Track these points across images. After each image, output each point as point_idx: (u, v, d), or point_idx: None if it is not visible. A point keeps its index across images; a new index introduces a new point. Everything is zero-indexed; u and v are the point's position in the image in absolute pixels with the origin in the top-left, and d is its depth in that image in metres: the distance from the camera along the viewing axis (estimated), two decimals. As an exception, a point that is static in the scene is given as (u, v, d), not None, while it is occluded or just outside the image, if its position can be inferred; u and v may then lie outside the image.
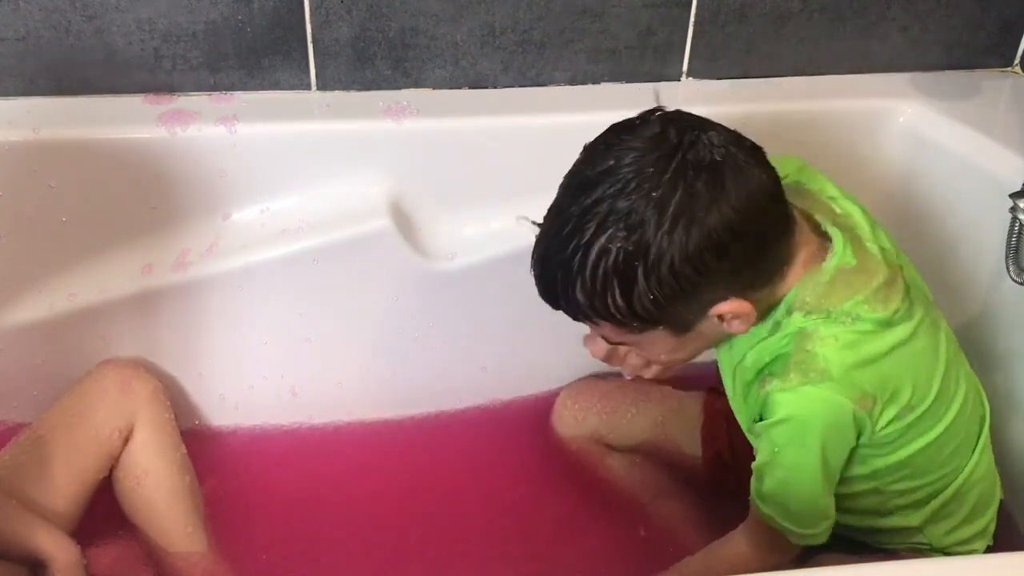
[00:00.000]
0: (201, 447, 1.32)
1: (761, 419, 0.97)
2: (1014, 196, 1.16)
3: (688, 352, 0.99)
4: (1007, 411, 1.22)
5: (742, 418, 1.04)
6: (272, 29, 1.28)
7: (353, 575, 1.24)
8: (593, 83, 1.38)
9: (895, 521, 1.05)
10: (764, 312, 0.95)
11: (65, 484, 1.16)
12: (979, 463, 1.06)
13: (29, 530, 1.07)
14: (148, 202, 1.26)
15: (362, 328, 1.35)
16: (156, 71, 1.29)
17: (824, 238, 0.97)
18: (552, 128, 1.31)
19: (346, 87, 1.33)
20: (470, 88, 1.36)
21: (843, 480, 1.00)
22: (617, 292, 0.88)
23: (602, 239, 0.86)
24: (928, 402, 0.97)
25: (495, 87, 1.36)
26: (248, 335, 1.33)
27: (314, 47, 1.30)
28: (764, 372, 0.96)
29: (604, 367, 1.39)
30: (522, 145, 1.31)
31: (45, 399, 1.24)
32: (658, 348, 0.97)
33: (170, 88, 1.30)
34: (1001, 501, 1.12)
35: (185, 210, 1.27)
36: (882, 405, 0.94)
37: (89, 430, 1.18)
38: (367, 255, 1.28)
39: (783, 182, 0.93)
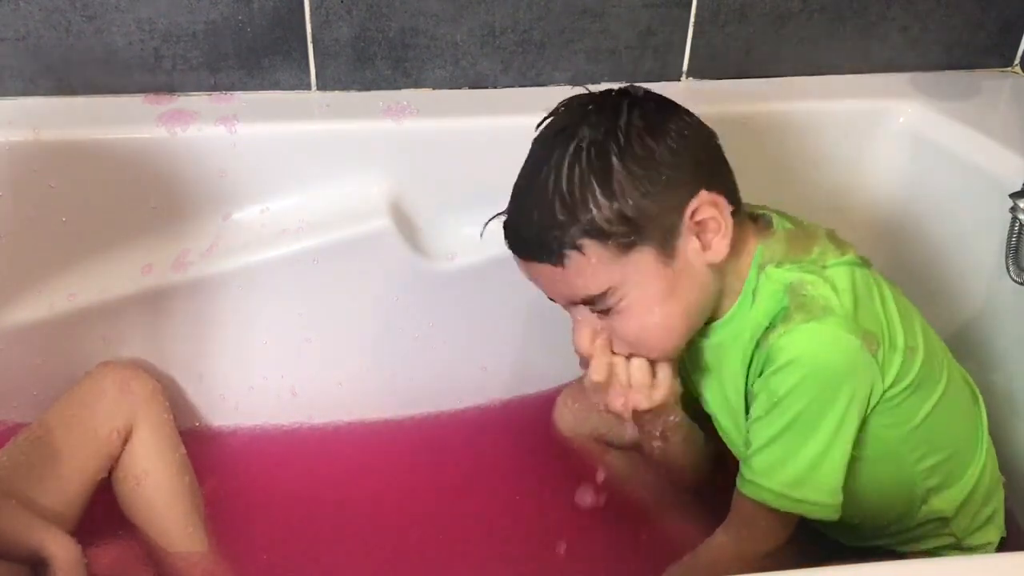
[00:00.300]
0: (201, 447, 1.32)
1: (761, 376, 0.94)
2: (1014, 196, 1.16)
3: (680, 303, 0.94)
4: (1007, 411, 1.22)
5: (738, 407, 1.01)
6: (272, 29, 1.28)
7: (353, 575, 1.24)
8: (593, 83, 1.37)
9: (931, 508, 1.03)
10: (728, 296, 0.97)
11: (64, 485, 1.16)
12: (983, 440, 1.06)
13: (29, 529, 1.07)
14: (148, 202, 1.26)
15: (362, 328, 1.35)
16: (156, 71, 1.29)
17: (758, 219, 1.02)
18: (552, 128, 1.31)
19: (346, 87, 1.33)
20: (470, 88, 1.36)
21: (867, 464, 0.97)
22: (597, 189, 0.89)
23: (570, 149, 0.91)
24: (923, 350, 0.97)
25: (495, 87, 1.36)
26: (248, 335, 1.33)
27: (314, 47, 1.30)
28: (766, 332, 0.94)
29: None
30: (522, 145, 1.30)
31: (45, 399, 1.24)
32: (648, 286, 0.92)
33: (170, 88, 1.30)
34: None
35: (185, 210, 1.27)
36: (885, 348, 0.93)
37: (88, 431, 1.18)
38: (367, 255, 1.28)
39: None
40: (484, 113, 1.31)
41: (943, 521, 1.05)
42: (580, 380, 1.37)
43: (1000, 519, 1.11)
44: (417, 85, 1.35)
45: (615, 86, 0.98)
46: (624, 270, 0.92)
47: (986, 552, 1.09)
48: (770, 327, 0.93)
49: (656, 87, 1.36)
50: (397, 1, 1.28)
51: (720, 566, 1.01)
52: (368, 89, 1.34)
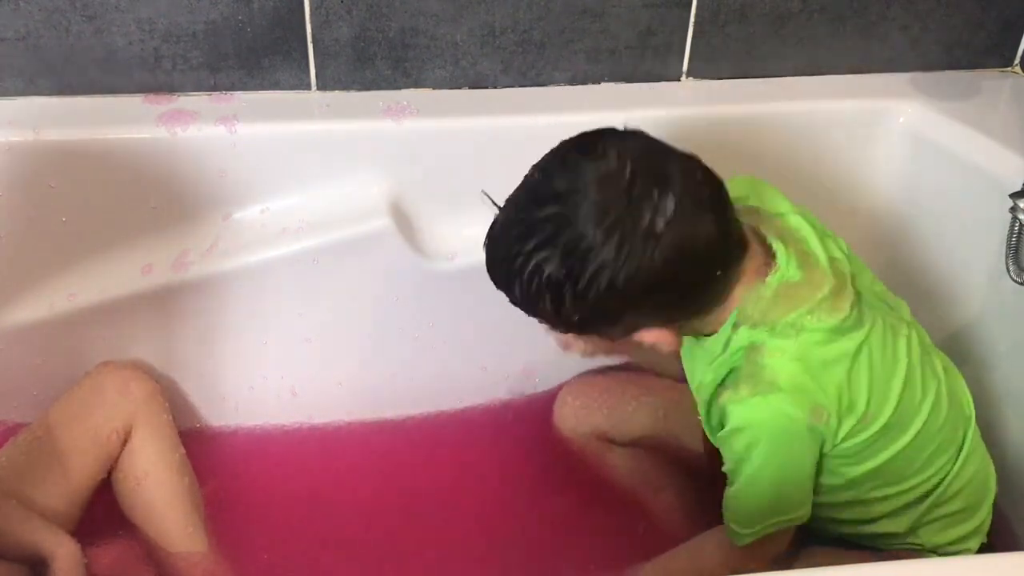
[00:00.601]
0: (202, 448, 1.32)
1: (722, 429, 0.99)
2: (1014, 196, 1.16)
3: (628, 352, 1.08)
4: (1007, 411, 1.22)
5: (708, 431, 1.05)
6: (272, 29, 1.28)
7: (353, 574, 1.24)
8: (593, 83, 1.38)
9: (881, 527, 1.06)
10: (713, 328, 0.98)
11: (63, 485, 1.16)
12: (966, 464, 1.06)
13: (29, 528, 1.07)
14: (148, 202, 1.26)
15: (362, 328, 1.35)
16: (156, 71, 1.29)
17: (770, 253, 0.98)
18: (552, 128, 1.30)
19: (346, 87, 1.33)
20: (470, 88, 1.36)
21: (821, 490, 1.02)
22: (548, 303, 0.92)
23: (541, 255, 0.90)
24: (888, 413, 0.98)
25: (495, 87, 1.36)
26: (248, 335, 1.33)
27: (314, 47, 1.30)
28: (724, 383, 0.98)
29: (604, 363, 1.40)
30: (522, 145, 1.30)
31: (45, 399, 1.24)
32: (595, 346, 1.10)
33: (170, 88, 1.30)
34: (995, 498, 1.12)
35: (185, 210, 1.27)
36: (837, 417, 0.96)
37: (87, 431, 1.18)
38: (367, 255, 1.28)
39: (736, 204, 0.95)
40: (484, 113, 1.31)
41: (900, 535, 1.07)
42: (580, 378, 1.38)
43: (984, 529, 1.11)
44: (417, 85, 1.35)
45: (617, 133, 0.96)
46: (578, 338, 1.07)
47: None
48: (725, 384, 0.97)
49: (656, 87, 1.38)
50: (397, 1, 1.28)
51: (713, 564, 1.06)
52: (368, 89, 1.34)
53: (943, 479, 1.04)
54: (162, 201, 1.26)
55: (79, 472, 1.17)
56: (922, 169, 1.35)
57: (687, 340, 1.04)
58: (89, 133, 1.23)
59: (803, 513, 1.00)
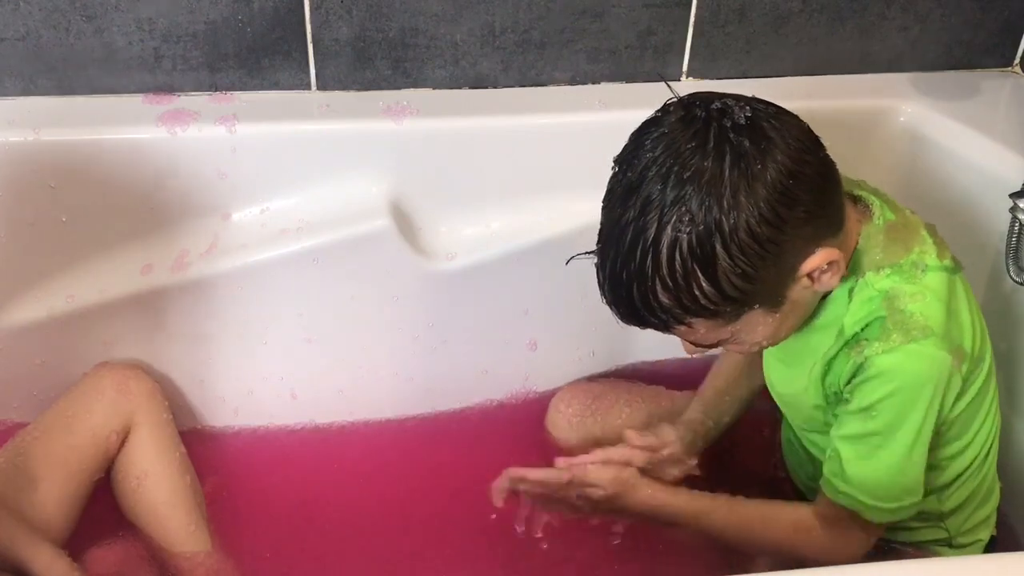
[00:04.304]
0: (204, 448, 1.32)
1: (848, 383, 0.95)
2: (1014, 196, 1.16)
3: (786, 329, 0.95)
4: (1007, 411, 1.22)
5: (807, 396, 1.01)
6: (272, 29, 1.28)
7: (354, 573, 1.24)
8: (593, 83, 1.38)
9: (931, 502, 1.04)
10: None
11: (62, 485, 1.15)
12: (995, 436, 1.06)
13: (15, 543, 1.06)
14: (148, 202, 1.26)
15: (362, 328, 1.35)
16: (156, 71, 1.29)
17: (858, 201, 0.98)
18: (552, 128, 1.31)
19: (346, 87, 1.33)
20: (470, 88, 1.36)
21: None
22: (702, 278, 0.84)
23: (668, 231, 0.83)
24: (988, 355, 0.99)
25: (495, 87, 1.36)
26: (248, 335, 1.33)
27: (314, 47, 1.30)
28: (858, 339, 0.94)
29: (598, 369, 1.40)
30: (522, 145, 1.31)
31: (45, 399, 1.24)
32: (758, 331, 0.93)
33: (170, 88, 1.30)
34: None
35: (185, 210, 1.27)
36: (970, 359, 0.95)
37: (86, 431, 1.18)
38: (367, 255, 1.28)
39: None
40: (484, 113, 1.31)
41: (939, 515, 1.06)
42: (572, 386, 1.38)
43: (993, 519, 1.12)
44: (417, 85, 1.35)
45: (710, 89, 0.90)
46: (733, 328, 0.91)
47: (975, 550, 1.09)
48: (863, 336, 0.93)
49: (656, 87, 1.37)
50: (397, 1, 1.28)
51: (800, 551, 1.01)
52: (368, 89, 1.34)
53: (988, 441, 1.04)
54: (162, 201, 1.26)
55: (77, 472, 1.17)
56: (922, 169, 1.35)
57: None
58: (89, 133, 1.23)
59: (918, 499, 0.98)
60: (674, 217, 0.83)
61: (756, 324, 0.92)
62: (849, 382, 0.95)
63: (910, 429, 0.93)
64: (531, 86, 1.36)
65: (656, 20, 1.34)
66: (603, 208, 0.90)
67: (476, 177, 1.31)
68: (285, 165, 1.27)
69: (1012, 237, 1.18)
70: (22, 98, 1.28)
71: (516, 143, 1.31)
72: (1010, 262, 1.19)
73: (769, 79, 1.40)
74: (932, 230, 0.99)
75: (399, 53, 1.32)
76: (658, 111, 0.89)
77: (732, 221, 0.82)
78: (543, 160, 1.31)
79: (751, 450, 1.05)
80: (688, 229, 0.83)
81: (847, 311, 0.94)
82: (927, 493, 1.03)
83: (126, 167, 1.24)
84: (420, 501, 1.31)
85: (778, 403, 1.11)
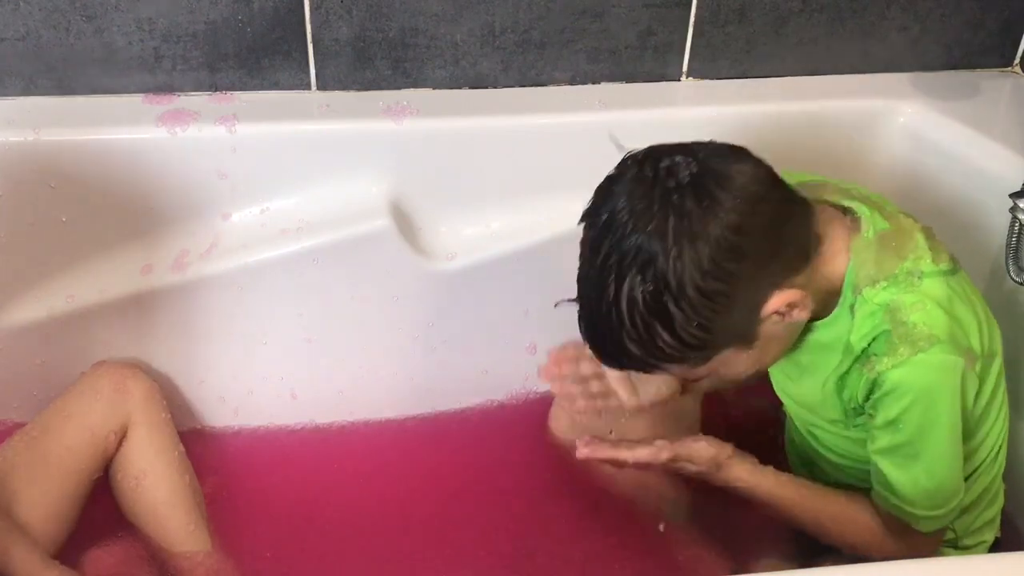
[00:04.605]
0: (204, 448, 1.32)
1: (867, 399, 0.96)
2: (1014, 196, 1.16)
3: (771, 358, 0.98)
4: (1010, 412, 1.22)
5: (825, 408, 1.02)
6: (272, 29, 1.28)
7: (354, 573, 1.24)
8: (593, 83, 1.38)
9: None
10: (829, 297, 0.96)
11: (59, 485, 1.15)
12: (1005, 435, 1.06)
13: (19, 558, 1.06)
14: (148, 202, 1.26)
15: (362, 328, 1.35)
16: (156, 71, 1.29)
17: (847, 213, 0.98)
18: (552, 128, 1.31)
19: (346, 87, 1.33)
20: (470, 88, 1.36)
21: None
22: (662, 332, 0.88)
23: (625, 289, 0.87)
24: (1000, 349, 0.99)
25: (495, 87, 1.36)
26: (248, 336, 1.33)
27: (314, 47, 1.30)
28: (867, 354, 0.95)
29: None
30: (522, 145, 1.31)
31: (45, 399, 1.24)
32: (738, 367, 0.96)
33: (170, 88, 1.30)
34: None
35: (185, 210, 1.27)
36: (983, 358, 0.96)
37: (84, 431, 1.18)
38: (367, 255, 1.28)
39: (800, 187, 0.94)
40: (484, 113, 1.31)
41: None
42: (574, 384, 1.37)
43: (998, 521, 1.12)
44: (417, 85, 1.35)
45: (629, 153, 0.93)
46: (708, 366, 0.94)
47: (980, 550, 1.09)
48: (871, 351, 0.94)
49: (656, 87, 1.38)
50: (397, 1, 1.28)
51: (863, 547, 1.02)
52: (368, 89, 1.34)
53: (998, 439, 1.04)
54: (162, 201, 1.26)
55: (75, 472, 1.16)
56: (922, 169, 1.35)
57: (791, 352, 1.02)
58: (89, 133, 1.23)
59: (958, 502, 0.99)
60: (628, 276, 0.87)
61: (732, 361, 0.95)
62: (868, 398, 0.96)
63: (940, 435, 0.94)
64: (531, 86, 1.36)
65: (656, 20, 1.34)
66: (580, 258, 0.93)
67: (476, 177, 1.31)
68: (285, 165, 1.27)
69: (1012, 237, 1.18)
70: (22, 98, 1.28)
71: (516, 143, 1.31)
72: (1010, 262, 1.19)
73: (769, 79, 1.40)
74: (928, 232, 0.99)
75: (399, 53, 1.32)
76: (617, 167, 0.92)
77: (677, 279, 0.85)
78: (543, 160, 1.31)
79: (755, 449, 1.05)
80: (641, 288, 0.86)
81: (852, 327, 0.95)
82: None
83: (126, 167, 1.24)
84: (420, 501, 1.31)
85: (789, 411, 1.11)
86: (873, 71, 1.42)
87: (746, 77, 1.40)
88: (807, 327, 0.99)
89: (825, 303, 0.97)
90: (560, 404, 1.35)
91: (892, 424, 0.95)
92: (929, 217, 1.35)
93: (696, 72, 1.39)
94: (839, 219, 0.97)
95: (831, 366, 0.98)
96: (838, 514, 1.04)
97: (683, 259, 0.85)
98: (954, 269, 0.98)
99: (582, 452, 1.05)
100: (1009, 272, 1.19)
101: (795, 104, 1.37)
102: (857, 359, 0.96)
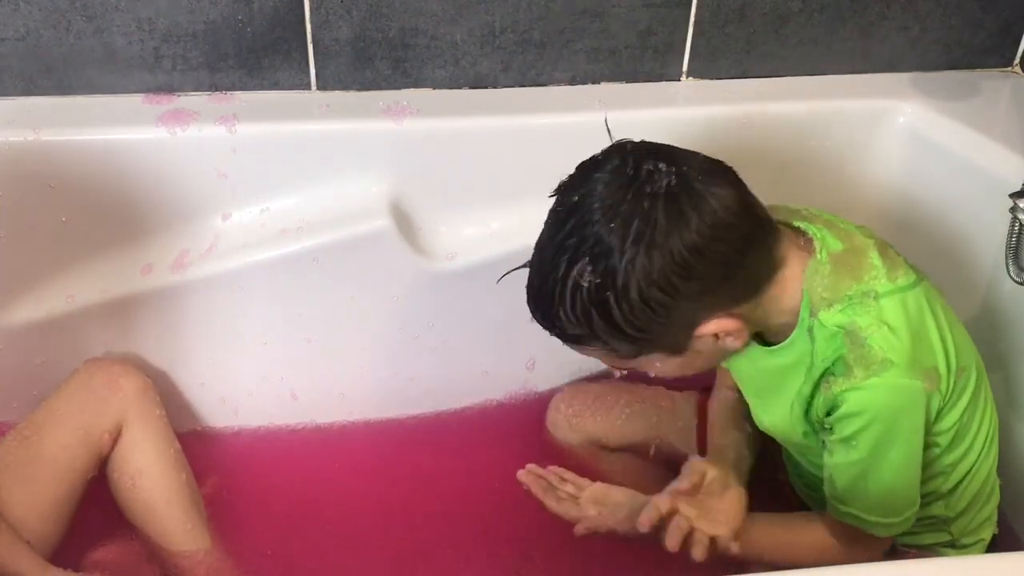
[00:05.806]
0: (204, 448, 1.32)
1: (828, 415, 0.97)
2: (1014, 196, 1.16)
3: (695, 369, 1.00)
4: (1008, 411, 1.22)
5: (794, 430, 1.03)
6: (272, 29, 1.28)
7: (355, 573, 1.24)
8: (593, 83, 1.38)
9: (937, 508, 1.06)
10: (787, 320, 0.97)
11: (53, 485, 1.14)
12: (994, 434, 1.07)
13: (13, 560, 1.05)
14: (148, 202, 1.26)
15: (362, 328, 1.35)
16: (156, 71, 1.29)
17: (802, 234, 0.99)
18: (552, 128, 1.31)
19: (346, 87, 1.33)
20: (470, 88, 1.36)
21: None
22: (599, 320, 0.90)
23: (573, 272, 0.89)
24: (974, 363, 1.00)
25: (495, 87, 1.36)
26: (248, 335, 1.33)
27: (314, 47, 1.30)
28: (826, 375, 0.96)
29: (599, 368, 1.40)
30: (522, 145, 1.31)
31: (44, 399, 1.24)
32: (663, 368, 0.99)
33: (170, 88, 1.30)
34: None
35: (185, 210, 1.27)
36: (945, 376, 0.96)
37: (77, 430, 1.16)
38: (367, 255, 1.28)
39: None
40: (484, 113, 1.31)
41: (946, 520, 1.07)
42: (573, 386, 1.38)
43: (994, 517, 1.12)
44: (417, 85, 1.35)
45: (621, 141, 0.94)
46: (635, 361, 0.98)
47: (977, 549, 1.10)
48: (830, 372, 0.95)
49: (656, 87, 1.38)
50: (397, 1, 1.28)
51: (816, 557, 1.03)
52: (368, 89, 1.34)
53: (987, 440, 1.05)
54: (162, 201, 1.26)
55: (69, 472, 1.15)
56: (922, 169, 1.35)
57: (754, 380, 1.04)
58: (89, 133, 1.23)
59: (913, 512, 1.00)
60: (580, 261, 0.89)
61: (658, 362, 0.98)
62: (828, 414, 0.97)
63: (895, 454, 0.95)
64: (531, 86, 1.36)
65: (656, 20, 1.34)
66: (544, 224, 0.95)
67: (476, 177, 1.31)
68: (285, 165, 1.27)
69: (1012, 237, 1.18)
70: (22, 98, 1.28)
71: (516, 143, 1.31)
72: (1010, 262, 1.19)
73: (769, 79, 1.40)
74: (882, 248, 0.99)
75: (399, 53, 1.32)
76: (604, 152, 0.93)
77: (624, 280, 0.87)
78: (543, 160, 1.30)
79: (758, 475, 1.06)
80: (589, 278, 0.88)
81: (812, 349, 0.96)
82: (935, 500, 1.04)
83: (126, 167, 1.24)
84: (420, 501, 1.31)
85: (776, 439, 1.12)
86: (873, 71, 1.42)
87: (746, 77, 1.40)
88: (768, 353, 1.00)
89: (782, 327, 0.98)
90: (557, 406, 1.35)
91: (847, 441, 0.96)
92: (929, 217, 1.36)
93: (696, 72, 1.39)
94: (795, 242, 0.98)
95: (794, 389, 0.99)
96: (790, 539, 1.05)
97: (635, 263, 0.87)
98: (914, 283, 0.97)
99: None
100: (1009, 272, 1.19)
101: (795, 104, 1.37)
102: (818, 382, 0.97)
